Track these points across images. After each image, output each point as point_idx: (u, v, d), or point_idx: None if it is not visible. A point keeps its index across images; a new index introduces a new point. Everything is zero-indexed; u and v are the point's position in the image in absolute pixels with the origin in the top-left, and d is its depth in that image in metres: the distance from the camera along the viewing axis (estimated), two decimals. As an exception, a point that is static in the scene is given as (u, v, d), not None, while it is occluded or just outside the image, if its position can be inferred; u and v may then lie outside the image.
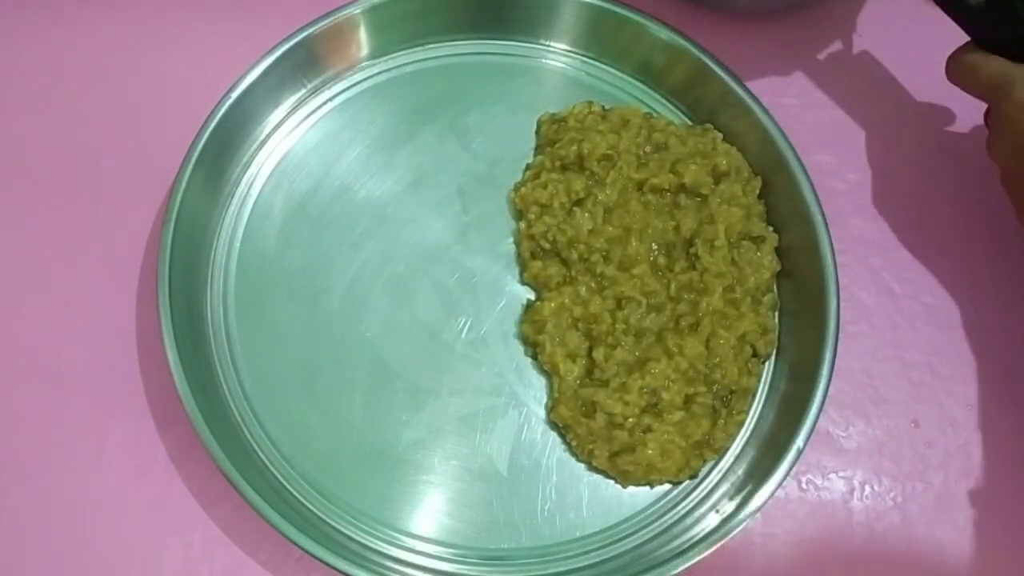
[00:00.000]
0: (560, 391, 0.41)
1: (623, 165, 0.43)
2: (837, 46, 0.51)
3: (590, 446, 0.40)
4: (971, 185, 0.48)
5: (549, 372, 0.42)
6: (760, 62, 0.50)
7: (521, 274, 0.44)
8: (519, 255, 0.44)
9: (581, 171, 0.44)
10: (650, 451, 0.39)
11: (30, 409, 0.41)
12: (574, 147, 0.44)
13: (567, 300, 0.42)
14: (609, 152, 0.43)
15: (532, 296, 0.43)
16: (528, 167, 0.45)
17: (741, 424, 0.41)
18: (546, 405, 0.41)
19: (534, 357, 0.42)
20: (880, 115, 0.49)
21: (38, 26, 0.48)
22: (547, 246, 0.43)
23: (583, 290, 0.42)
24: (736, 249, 0.42)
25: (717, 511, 0.40)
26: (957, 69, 0.42)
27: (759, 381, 0.42)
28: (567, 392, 0.41)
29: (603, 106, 0.46)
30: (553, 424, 0.41)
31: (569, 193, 0.43)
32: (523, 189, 0.44)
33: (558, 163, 0.44)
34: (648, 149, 0.44)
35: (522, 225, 0.44)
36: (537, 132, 0.46)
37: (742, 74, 0.45)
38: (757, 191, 0.44)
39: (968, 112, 0.50)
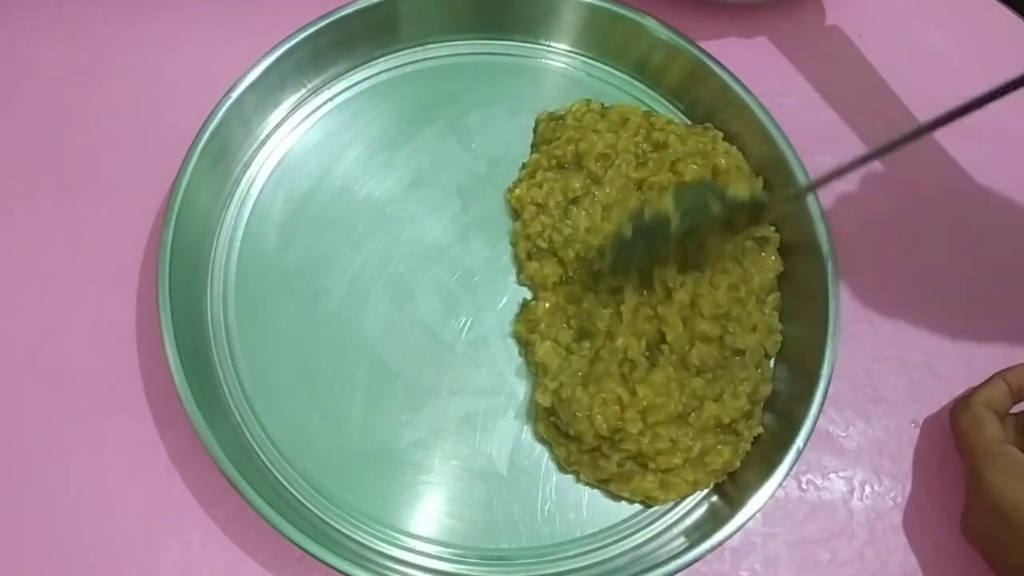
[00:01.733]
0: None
1: (621, 164, 0.43)
2: (838, 46, 0.51)
3: (573, 467, 0.40)
4: (971, 184, 0.48)
5: (536, 373, 0.41)
6: (761, 63, 0.50)
7: (518, 274, 0.44)
8: (515, 256, 0.44)
9: (579, 169, 0.44)
10: (648, 483, 0.39)
11: (30, 409, 0.41)
12: (571, 146, 0.43)
13: (561, 299, 0.42)
14: (607, 151, 0.43)
15: (531, 295, 0.43)
16: (524, 166, 0.45)
17: (754, 438, 0.41)
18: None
19: (527, 356, 0.42)
20: (880, 114, 0.49)
21: (38, 26, 0.48)
22: (544, 245, 0.43)
23: (578, 289, 0.42)
24: (741, 248, 0.42)
25: (716, 512, 0.39)
26: (967, 416, 0.40)
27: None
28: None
29: (602, 104, 0.46)
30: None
31: (565, 192, 0.43)
32: (518, 189, 0.44)
33: (554, 161, 0.44)
34: (647, 147, 0.44)
35: (518, 225, 0.44)
36: (535, 130, 0.46)
37: (742, 75, 0.45)
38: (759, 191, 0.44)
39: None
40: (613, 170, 0.43)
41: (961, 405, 0.40)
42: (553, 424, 0.40)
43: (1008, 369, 0.40)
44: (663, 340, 0.40)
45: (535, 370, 0.41)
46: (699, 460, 0.39)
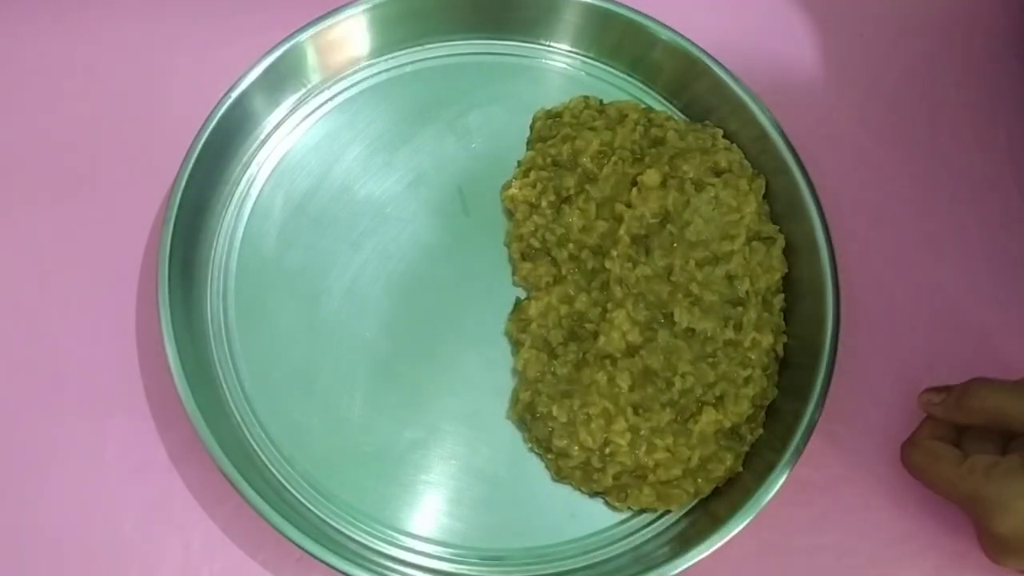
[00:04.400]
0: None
1: (617, 160, 0.43)
2: (838, 46, 0.51)
3: (566, 480, 0.40)
4: (970, 184, 0.48)
5: (519, 372, 0.41)
6: (761, 62, 0.49)
7: (513, 275, 0.43)
8: (509, 256, 0.44)
9: (574, 168, 0.43)
10: (645, 497, 0.39)
11: (30, 409, 0.41)
12: (566, 144, 0.43)
13: (554, 300, 0.41)
14: (603, 148, 0.43)
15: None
16: (519, 164, 0.45)
17: (756, 440, 0.41)
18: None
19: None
20: (880, 114, 0.50)
21: (38, 26, 0.48)
22: (537, 245, 0.42)
23: (571, 289, 0.42)
24: (747, 247, 0.42)
25: (716, 512, 0.39)
26: (917, 453, 0.38)
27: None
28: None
29: (600, 100, 0.46)
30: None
31: (559, 191, 0.43)
32: (511, 189, 0.44)
33: (549, 160, 0.44)
34: (644, 144, 0.44)
35: (511, 225, 0.44)
36: (531, 128, 0.46)
37: (742, 74, 0.45)
38: (762, 191, 0.44)
39: (967, 113, 0.50)
40: (609, 167, 0.43)
41: (909, 447, 0.39)
42: (535, 438, 0.40)
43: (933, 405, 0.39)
44: (665, 308, 0.40)
45: (518, 369, 0.41)
46: (700, 468, 0.39)
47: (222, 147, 0.43)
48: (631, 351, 0.39)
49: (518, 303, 0.43)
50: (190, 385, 0.37)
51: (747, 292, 0.41)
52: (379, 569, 0.37)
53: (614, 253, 0.40)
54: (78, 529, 0.39)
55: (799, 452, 0.38)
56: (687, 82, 0.46)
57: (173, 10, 0.49)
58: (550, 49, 0.48)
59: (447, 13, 0.47)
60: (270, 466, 0.40)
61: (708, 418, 0.39)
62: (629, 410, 0.39)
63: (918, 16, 0.52)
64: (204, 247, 0.43)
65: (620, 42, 0.47)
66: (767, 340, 0.41)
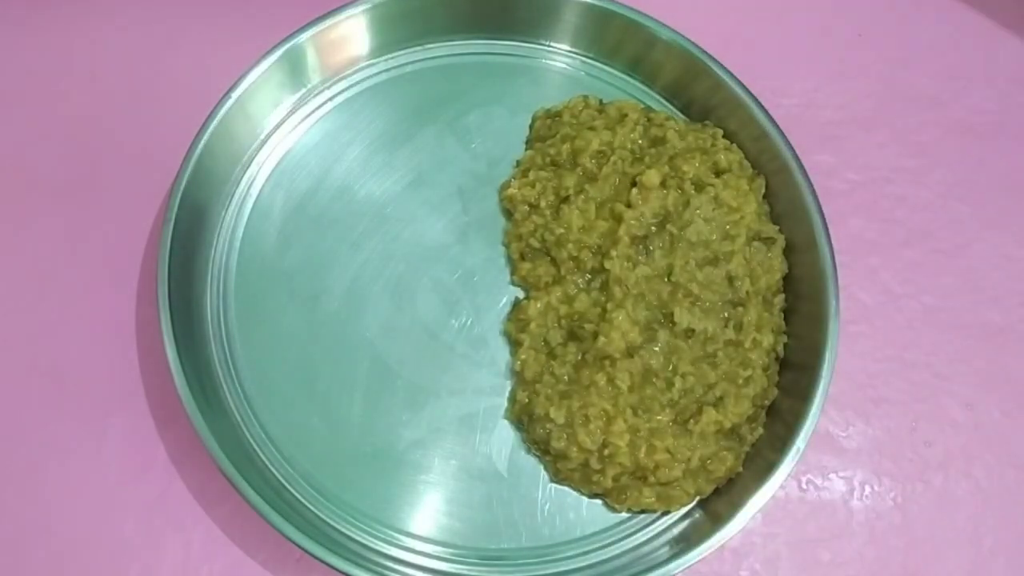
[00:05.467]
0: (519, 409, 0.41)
1: (617, 160, 0.43)
2: (837, 46, 0.51)
3: (565, 482, 0.40)
4: (971, 184, 0.48)
5: (517, 373, 0.41)
6: (761, 62, 0.50)
7: (512, 275, 0.43)
8: (508, 256, 0.44)
9: (573, 168, 0.43)
10: (646, 498, 0.39)
11: (30, 409, 0.41)
12: (566, 144, 0.43)
13: (554, 300, 0.41)
14: (602, 148, 0.43)
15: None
16: (518, 164, 0.45)
17: (756, 440, 0.41)
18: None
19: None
20: (880, 114, 0.50)
21: (37, 26, 0.48)
22: (536, 245, 0.42)
23: (571, 289, 0.42)
24: (747, 247, 0.42)
25: (717, 512, 0.39)
26: None
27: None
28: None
29: (600, 100, 0.46)
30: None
31: (558, 191, 0.43)
32: (510, 188, 0.44)
33: (548, 159, 0.44)
34: (644, 144, 0.44)
35: (510, 225, 0.44)
36: (531, 127, 0.46)
37: (742, 74, 0.45)
38: (762, 191, 0.44)
39: (969, 111, 0.50)
40: (608, 167, 0.43)
41: None
42: (533, 439, 0.40)
43: None
44: (665, 308, 0.40)
45: (516, 368, 0.41)
46: (701, 469, 0.39)
47: (222, 147, 0.43)
48: (631, 351, 0.39)
49: (517, 303, 0.43)
50: (190, 385, 0.37)
51: (747, 292, 0.41)
52: (379, 569, 0.37)
53: (614, 253, 0.40)
54: (78, 529, 0.39)
55: (799, 452, 0.38)
56: (687, 82, 0.46)
57: (173, 10, 0.49)
58: (550, 49, 0.48)
59: (447, 13, 0.47)
60: (270, 466, 0.40)
61: (708, 418, 0.39)
62: (628, 411, 0.39)
63: (918, 15, 0.52)
64: (204, 247, 0.43)
65: (620, 42, 0.47)
66: (767, 340, 0.41)
